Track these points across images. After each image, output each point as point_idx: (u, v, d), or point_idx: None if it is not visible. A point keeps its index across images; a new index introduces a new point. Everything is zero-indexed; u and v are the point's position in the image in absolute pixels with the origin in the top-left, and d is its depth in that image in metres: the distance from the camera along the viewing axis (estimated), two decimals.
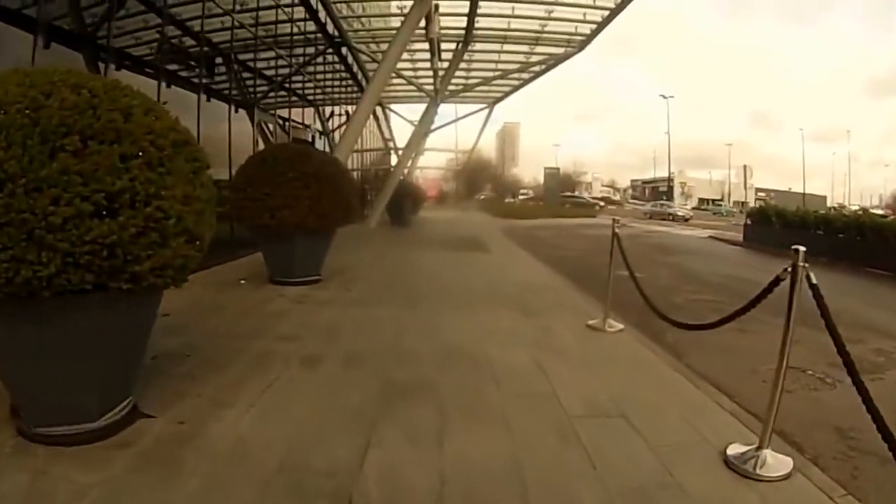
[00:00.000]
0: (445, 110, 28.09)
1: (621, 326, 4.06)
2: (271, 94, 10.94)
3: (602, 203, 41.61)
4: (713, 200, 48.04)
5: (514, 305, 4.78)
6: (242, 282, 5.31)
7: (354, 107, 18.79)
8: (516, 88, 21.24)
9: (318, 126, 14.99)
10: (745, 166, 18.12)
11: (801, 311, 2.03)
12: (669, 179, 39.54)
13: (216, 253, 6.18)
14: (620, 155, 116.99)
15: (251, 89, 9.78)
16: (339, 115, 17.44)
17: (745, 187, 17.60)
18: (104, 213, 1.70)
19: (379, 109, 22.45)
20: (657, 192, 51.08)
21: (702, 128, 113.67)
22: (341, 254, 6.98)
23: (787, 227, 12.79)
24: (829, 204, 42.70)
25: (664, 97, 48.13)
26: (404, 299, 4.87)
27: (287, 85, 12.47)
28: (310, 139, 13.15)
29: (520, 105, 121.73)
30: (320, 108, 15.32)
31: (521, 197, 43.67)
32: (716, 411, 2.62)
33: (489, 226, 17.85)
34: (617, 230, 4.08)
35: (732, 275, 8.60)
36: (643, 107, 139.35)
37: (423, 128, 17.56)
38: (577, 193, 42.45)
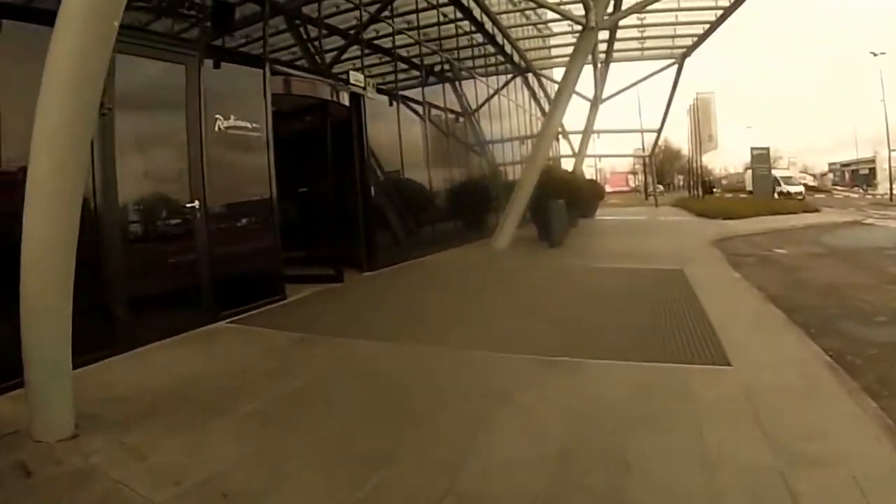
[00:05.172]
0: (622, 74, 21.61)
1: None
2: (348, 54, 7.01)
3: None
4: None
5: None
6: None
7: (501, 77, 14.32)
8: (713, 26, 14.06)
9: (455, 104, 10.85)
10: None
11: None
12: (890, 156, 26.82)
13: None
14: (808, 137, 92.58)
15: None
16: (488, 85, 12.93)
17: None
18: None
19: (532, 78, 17.40)
20: (856, 175, 42.36)
21: None
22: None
23: None
24: None
25: (874, 54, 32.57)
26: None
27: (397, 46, 8.53)
28: (334, 97, 6.70)
29: (709, 73, 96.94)
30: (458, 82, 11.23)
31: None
32: None
33: (693, 238, 11.45)
34: None
35: None
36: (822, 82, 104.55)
37: (574, 75, 10.17)
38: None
